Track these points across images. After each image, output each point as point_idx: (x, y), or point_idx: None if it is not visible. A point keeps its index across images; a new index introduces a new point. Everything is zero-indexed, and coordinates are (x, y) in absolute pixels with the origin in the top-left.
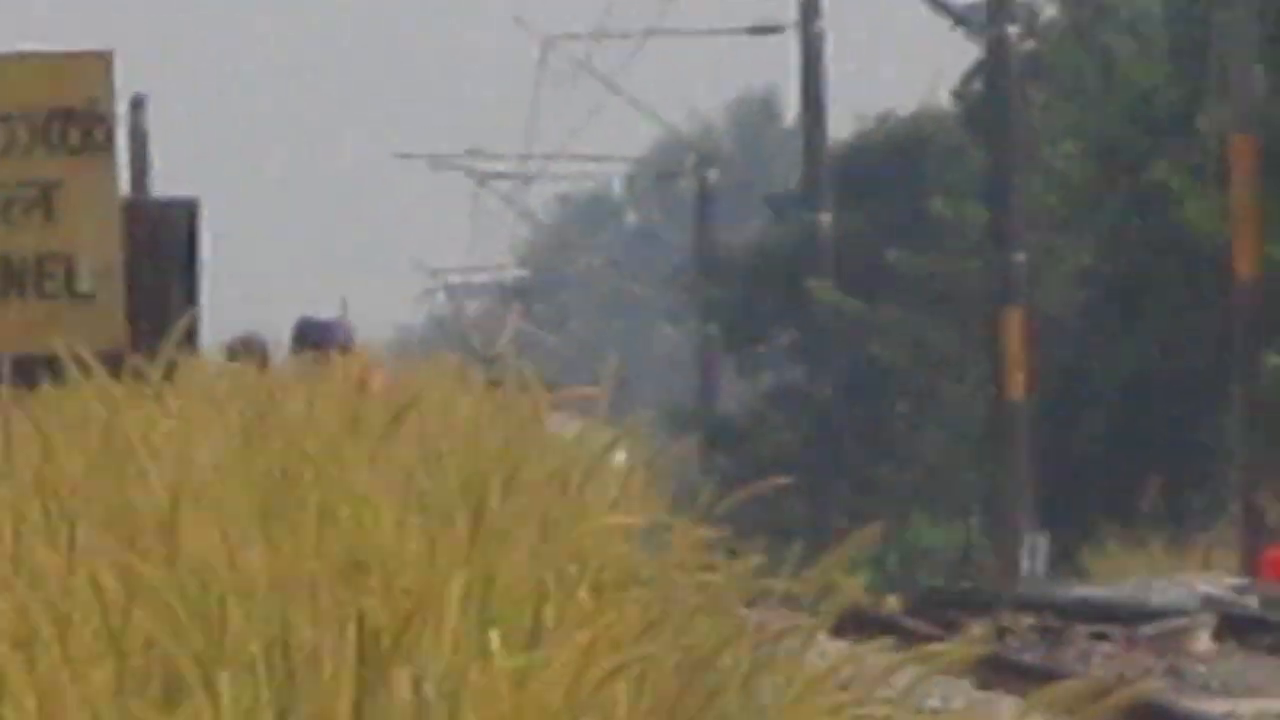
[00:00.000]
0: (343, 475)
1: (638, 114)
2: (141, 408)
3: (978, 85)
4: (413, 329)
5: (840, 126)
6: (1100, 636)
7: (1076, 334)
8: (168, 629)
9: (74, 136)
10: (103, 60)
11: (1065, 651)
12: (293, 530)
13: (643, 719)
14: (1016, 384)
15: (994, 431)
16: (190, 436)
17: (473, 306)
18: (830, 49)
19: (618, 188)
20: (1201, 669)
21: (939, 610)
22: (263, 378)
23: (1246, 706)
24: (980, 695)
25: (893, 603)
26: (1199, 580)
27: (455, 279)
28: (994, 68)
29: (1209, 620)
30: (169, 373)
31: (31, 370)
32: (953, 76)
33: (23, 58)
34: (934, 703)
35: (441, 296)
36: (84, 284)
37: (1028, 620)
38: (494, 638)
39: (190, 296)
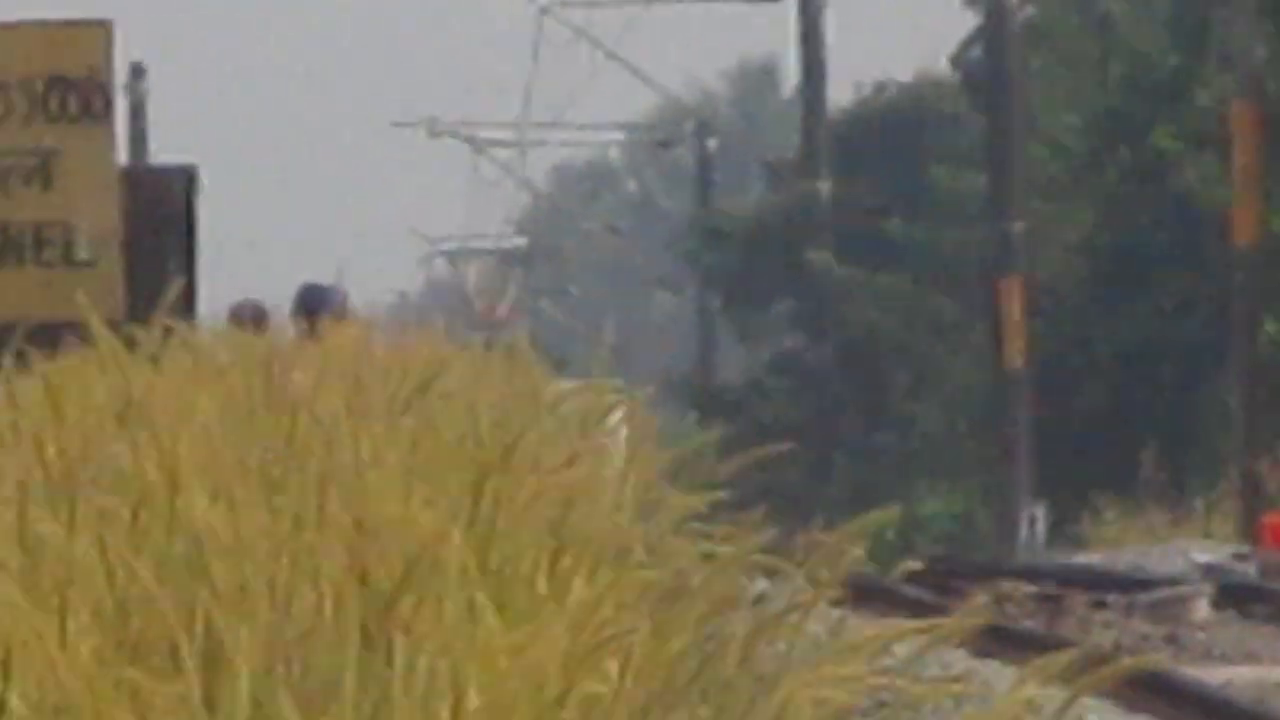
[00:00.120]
0: (345, 442)
1: (636, 81)
2: (143, 374)
3: (977, 53)
4: (411, 296)
5: (839, 94)
6: (1099, 605)
7: (1075, 303)
8: (168, 592)
9: (73, 105)
10: (102, 29)
11: (1064, 620)
12: (295, 496)
13: (642, 688)
14: (1015, 353)
15: (993, 401)
16: (191, 402)
17: (473, 272)
18: (830, 17)
19: (616, 156)
20: (1200, 637)
21: (938, 579)
22: (261, 344)
23: (1245, 674)
24: (978, 664)
25: (908, 567)
26: (1197, 548)
27: (453, 245)
28: (993, 35)
29: (1207, 588)
30: (167, 339)
31: (34, 337)
32: (952, 44)
33: (22, 27)
34: (933, 670)
35: (441, 262)
36: (82, 252)
37: (1026, 589)
38: (488, 610)
39: (188, 264)
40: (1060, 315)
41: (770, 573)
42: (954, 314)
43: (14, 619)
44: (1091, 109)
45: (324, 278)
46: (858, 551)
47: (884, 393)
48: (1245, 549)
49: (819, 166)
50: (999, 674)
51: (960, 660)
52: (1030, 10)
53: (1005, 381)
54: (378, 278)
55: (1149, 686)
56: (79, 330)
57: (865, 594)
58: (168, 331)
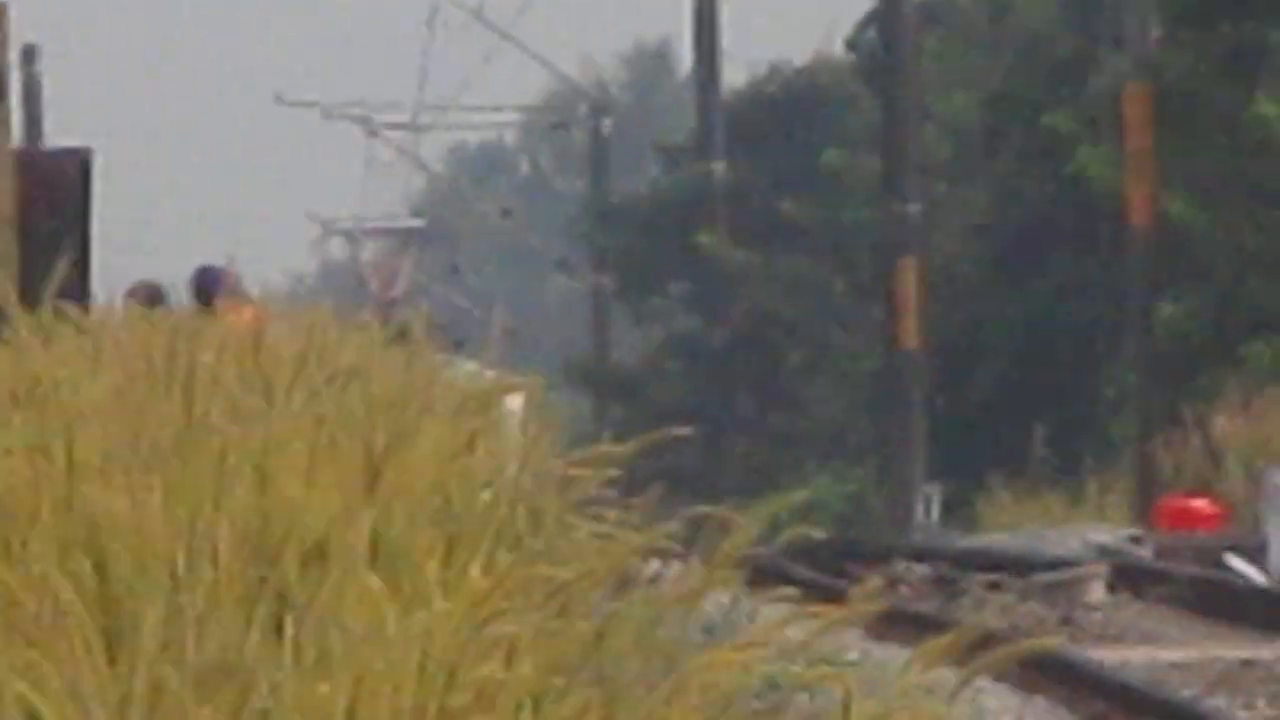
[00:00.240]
0: (244, 422)
1: (531, 63)
2: (38, 356)
3: (871, 35)
4: (305, 279)
5: (734, 77)
6: (995, 587)
7: (971, 284)
8: (63, 580)
9: None
10: None
11: (960, 602)
12: (193, 481)
13: (536, 671)
14: (910, 334)
15: (887, 382)
16: (88, 383)
17: (368, 251)
18: None
19: (511, 138)
20: (1096, 618)
21: (832, 560)
22: (158, 324)
23: (1140, 655)
24: (873, 646)
25: (808, 535)
26: (1093, 530)
27: (348, 225)
28: (887, 17)
29: (1103, 570)
30: (61, 321)
31: None
32: (847, 26)
33: None
34: (827, 652)
35: (336, 245)
36: None
37: (921, 570)
38: (381, 593)
39: (83, 247)
40: (955, 296)
41: (665, 555)
42: (849, 295)
43: None
44: (986, 91)
45: (219, 260)
46: (750, 534)
47: (779, 374)
48: (1140, 531)
49: (714, 149)
50: (894, 656)
51: (855, 642)
52: None
53: (900, 362)
54: (272, 261)
55: (1045, 668)
56: None
57: (759, 575)
58: (61, 314)
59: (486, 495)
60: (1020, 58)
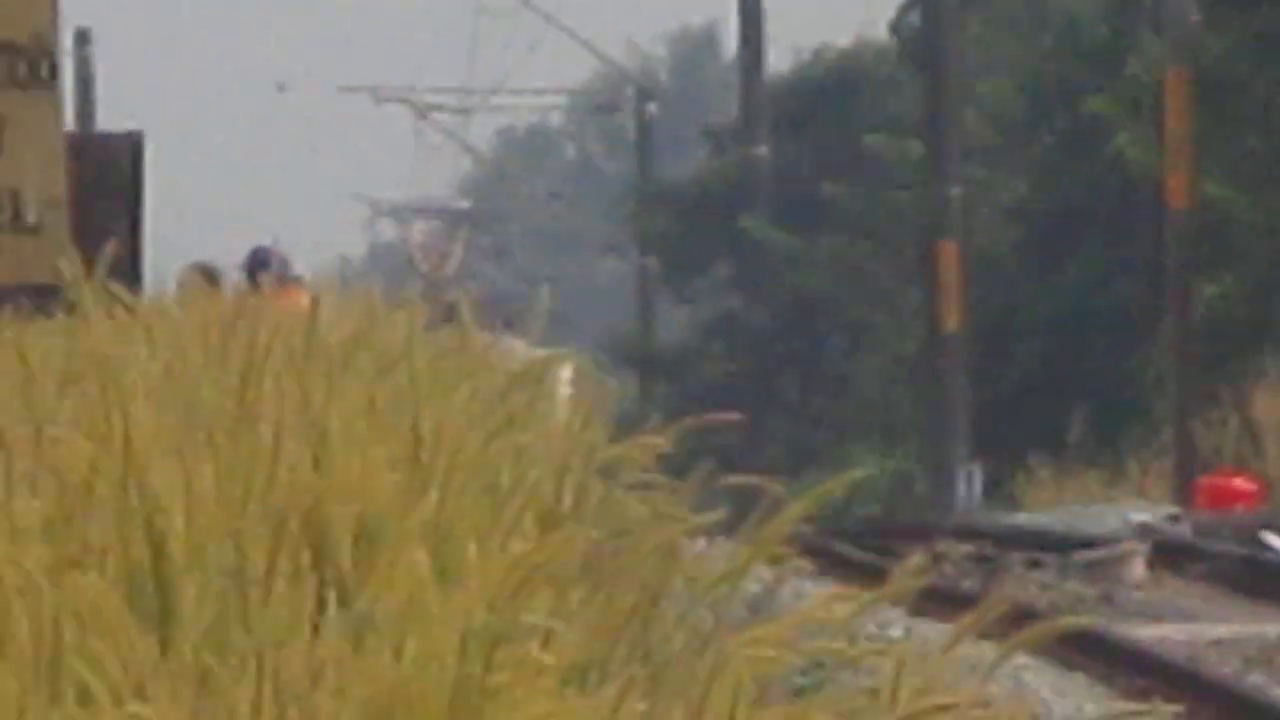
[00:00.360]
0: (297, 400)
1: (577, 47)
2: (95, 335)
3: (914, 19)
4: (354, 261)
5: (779, 61)
6: (1035, 565)
7: (1010, 267)
8: (119, 550)
9: (20, 71)
10: None
11: (1000, 579)
12: (246, 460)
13: (578, 647)
14: (951, 316)
15: (929, 363)
16: (144, 360)
17: (418, 231)
18: None
19: (558, 121)
20: (1135, 596)
21: (875, 539)
22: (208, 306)
23: (1179, 632)
24: (916, 622)
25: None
26: (1132, 509)
27: (400, 204)
28: (929, 1)
29: (1142, 548)
30: (115, 301)
31: None
32: (889, 10)
33: None
34: (870, 629)
35: (384, 227)
36: (29, 216)
37: (963, 548)
38: (425, 567)
39: (134, 229)
40: (996, 279)
41: (710, 533)
42: (890, 278)
43: None
44: (1026, 75)
45: (270, 242)
46: (798, 512)
47: (820, 355)
48: (1179, 509)
49: (758, 132)
50: (937, 633)
51: (898, 619)
52: None
53: (941, 344)
54: (322, 243)
55: (1084, 645)
56: (27, 294)
57: (803, 554)
58: (113, 294)
59: (535, 473)
60: (1059, 42)
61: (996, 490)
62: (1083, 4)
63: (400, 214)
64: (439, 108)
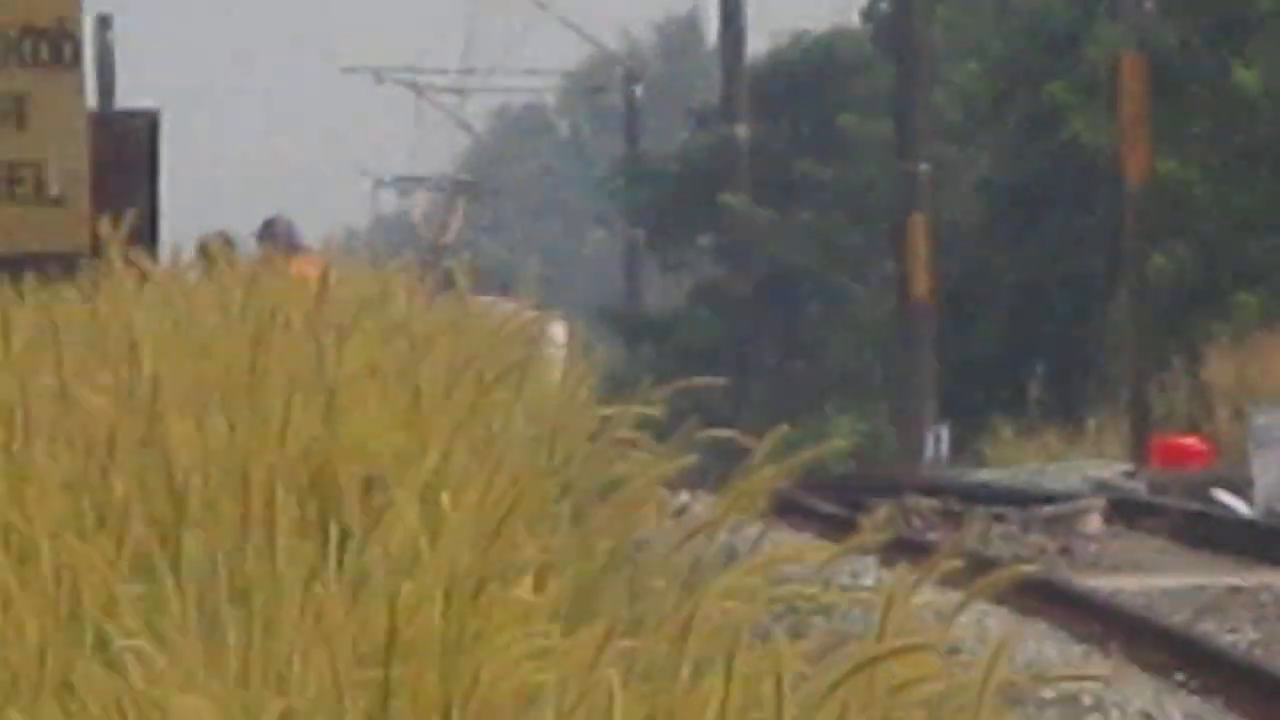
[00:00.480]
0: (309, 360)
1: (569, 32)
2: (115, 301)
3: (885, 6)
4: (359, 232)
5: (758, 45)
6: (999, 518)
7: (977, 239)
8: (140, 498)
9: (44, 52)
10: None
11: (966, 532)
12: (261, 417)
13: (562, 587)
14: (921, 285)
15: (900, 329)
16: (157, 326)
17: (420, 200)
18: None
19: (551, 101)
20: (1092, 549)
21: (849, 494)
22: (224, 274)
23: (1133, 583)
24: (887, 572)
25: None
26: (1090, 466)
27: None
28: None
29: (1099, 503)
30: (130, 269)
31: (6, 268)
32: None
33: None
34: (844, 579)
35: (387, 199)
36: (53, 189)
37: (931, 503)
38: (413, 517)
39: (151, 201)
40: (962, 250)
41: (693, 488)
42: (863, 249)
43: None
44: (992, 59)
45: (278, 214)
46: (771, 469)
47: (798, 321)
48: (1134, 467)
49: (738, 112)
50: (905, 582)
51: (869, 570)
52: None
53: (911, 311)
54: (329, 214)
55: (1045, 594)
56: (50, 262)
57: (781, 508)
58: (133, 263)
59: (530, 432)
60: (1023, 29)
61: (963, 449)
62: None
63: (403, 186)
64: (438, 88)
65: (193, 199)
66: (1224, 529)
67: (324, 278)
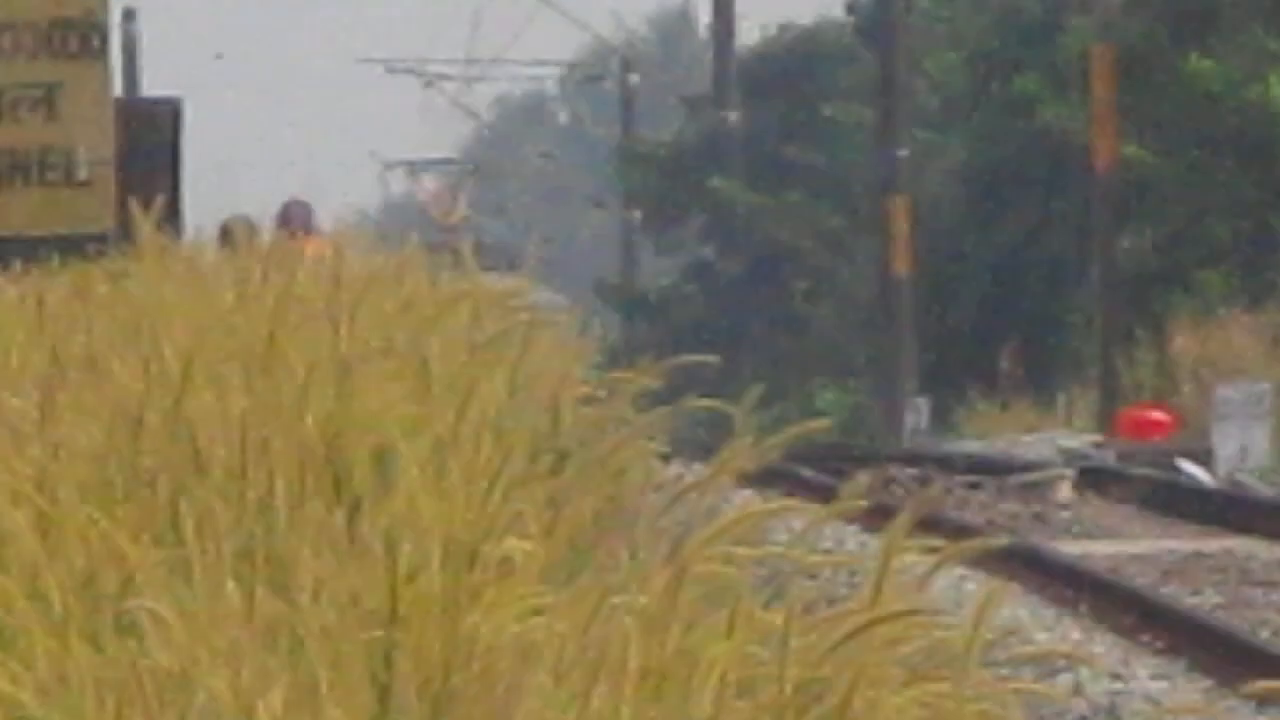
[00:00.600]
0: (326, 336)
1: (568, 24)
2: (143, 279)
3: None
4: (370, 214)
5: (747, 36)
6: (975, 487)
7: (954, 220)
8: (162, 464)
9: (73, 43)
10: None
11: (944, 500)
12: (277, 390)
13: (553, 548)
14: (901, 264)
15: (881, 306)
16: (182, 304)
17: (428, 181)
18: None
19: (551, 89)
20: (1063, 515)
21: (833, 463)
22: (245, 254)
23: (1102, 548)
24: (869, 538)
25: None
26: (1061, 437)
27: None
28: None
29: (1069, 473)
30: (158, 248)
31: (41, 246)
32: None
33: None
34: (827, 545)
35: (396, 182)
36: (82, 173)
37: (910, 472)
38: (413, 481)
39: (174, 184)
40: (941, 231)
41: (684, 459)
42: (847, 230)
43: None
44: (968, 50)
45: (295, 197)
46: (750, 439)
47: (785, 298)
48: (1103, 438)
49: (728, 100)
50: (898, 545)
51: (852, 535)
52: None
53: (892, 289)
54: (341, 197)
55: (1019, 559)
56: (79, 241)
57: (769, 477)
58: (157, 243)
59: (530, 406)
60: (997, 21)
61: (941, 420)
62: None
63: (411, 169)
64: (445, 77)
65: (213, 183)
66: (1188, 497)
67: (337, 257)
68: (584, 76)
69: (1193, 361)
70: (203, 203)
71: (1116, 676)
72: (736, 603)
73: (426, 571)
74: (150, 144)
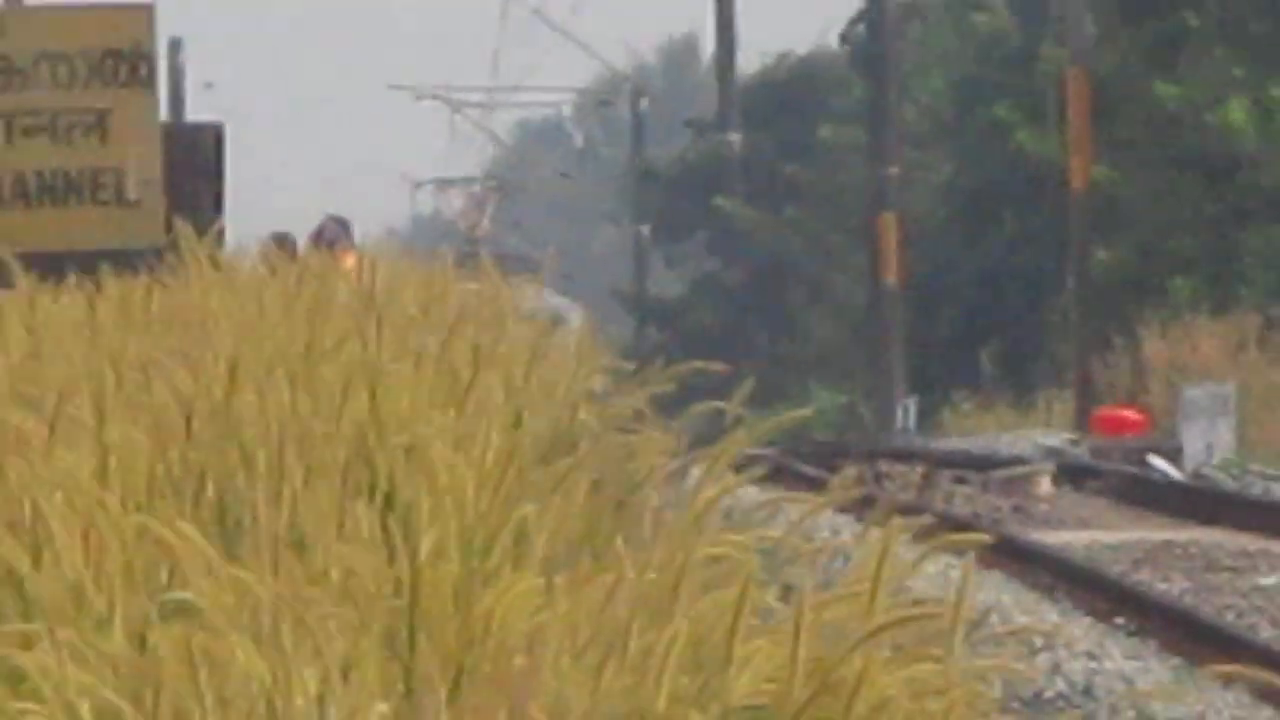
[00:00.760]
0: (360, 343)
1: (583, 53)
2: (188, 291)
3: (861, 30)
4: (399, 231)
5: (748, 64)
6: (960, 480)
7: (940, 235)
8: (210, 461)
9: (123, 72)
10: (145, 11)
11: (932, 493)
12: (315, 391)
13: (561, 539)
14: (891, 275)
15: (873, 313)
16: (227, 311)
17: (456, 195)
18: None
19: (567, 113)
20: (1043, 507)
21: (829, 458)
22: (286, 267)
23: (1080, 537)
24: (861, 529)
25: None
26: (1040, 435)
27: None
28: (873, 16)
29: (1048, 468)
30: (211, 263)
31: (93, 261)
32: (841, 23)
33: (82, 9)
34: (824, 534)
35: (423, 199)
36: (131, 193)
37: (901, 467)
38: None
39: (217, 203)
40: (928, 244)
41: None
42: (841, 243)
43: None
44: (953, 77)
45: (331, 214)
46: (758, 434)
47: (784, 307)
48: (1079, 436)
49: (731, 123)
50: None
51: (846, 525)
52: None
53: (883, 298)
54: (372, 215)
55: (1001, 548)
56: (130, 256)
57: (770, 471)
58: (201, 257)
59: (549, 408)
60: (979, 51)
61: (928, 419)
62: (1000, 19)
63: (439, 184)
64: (469, 103)
65: (254, 201)
66: (1158, 490)
67: (370, 270)
68: (597, 102)
69: (1162, 364)
70: (244, 219)
71: (1092, 656)
72: (744, 584)
73: (446, 559)
74: (195, 165)
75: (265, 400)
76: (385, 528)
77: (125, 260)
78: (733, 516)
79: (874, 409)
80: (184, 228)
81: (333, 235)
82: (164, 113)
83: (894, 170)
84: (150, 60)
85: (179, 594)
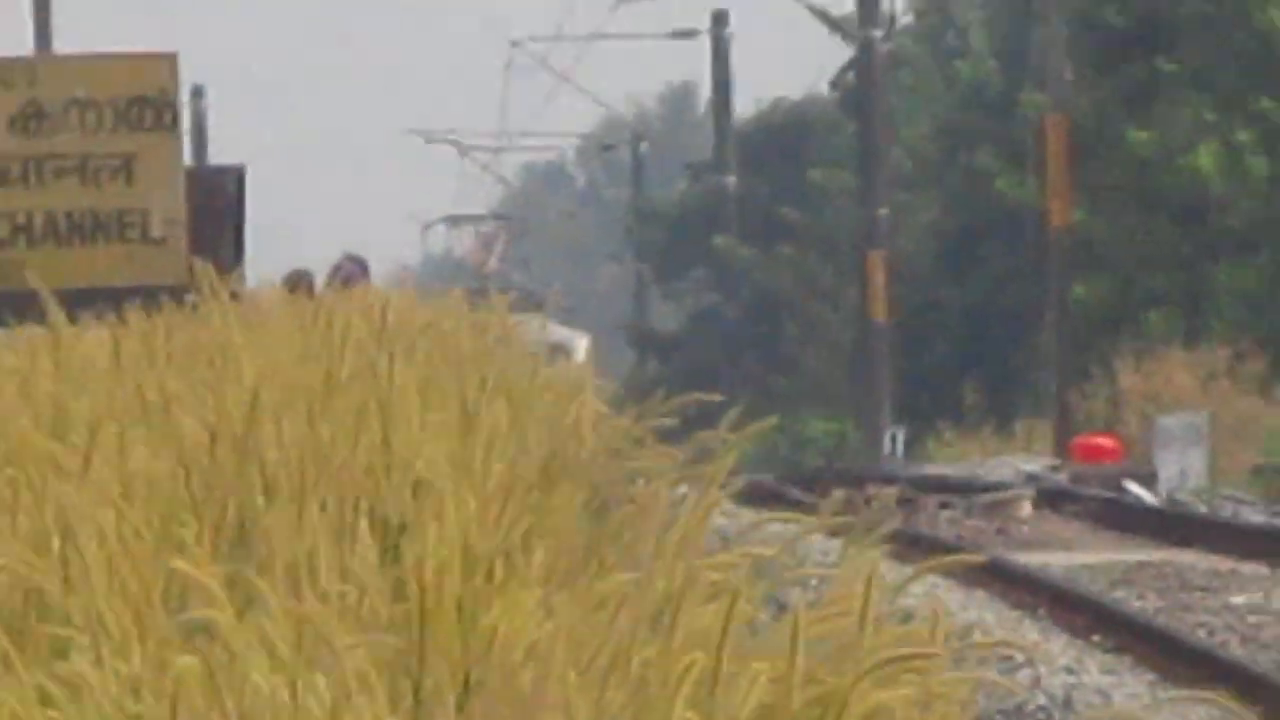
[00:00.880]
0: (374, 377)
1: (585, 99)
2: (211, 326)
3: (850, 77)
4: (411, 268)
5: (744, 109)
6: (945, 505)
7: (927, 272)
8: (231, 488)
9: (148, 118)
10: (169, 59)
11: (918, 517)
12: (331, 422)
13: (562, 555)
14: (880, 311)
15: (862, 348)
16: (249, 346)
17: (466, 233)
18: (735, 48)
19: (571, 157)
20: (1024, 530)
21: (820, 485)
22: (309, 302)
23: (1060, 559)
24: (844, 548)
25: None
26: (1021, 461)
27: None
28: (862, 64)
29: (1029, 493)
30: (234, 299)
31: (118, 297)
32: (831, 70)
33: (110, 58)
34: (816, 556)
35: (435, 238)
36: (156, 232)
37: (889, 492)
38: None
39: (238, 242)
40: (914, 282)
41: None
42: (832, 281)
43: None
44: (939, 122)
45: (348, 253)
46: (732, 461)
47: (778, 341)
48: (1058, 462)
49: (727, 166)
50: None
51: (836, 549)
52: (892, 45)
53: (872, 334)
54: (384, 253)
55: (984, 569)
56: (153, 293)
57: (763, 497)
58: (233, 294)
59: (554, 436)
60: (963, 97)
61: (915, 447)
62: (982, 68)
63: (450, 222)
64: (477, 147)
65: (273, 241)
66: (1134, 514)
67: (384, 308)
68: (599, 146)
69: (1138, 395)
70: (263, 258)
71: (1071, 671)
72: (732, 602)
73: (450, 579)
74: (217, 206)
75: (283, 430)
76: (395, 548)
77: (150, 296)
78: (728, 536)
79: (863, 438)
80: (205, 266)
81: (349, 273)
82: (187, 157)
83: (883, 211)
84: (174, 106)
85: (198, 613)
